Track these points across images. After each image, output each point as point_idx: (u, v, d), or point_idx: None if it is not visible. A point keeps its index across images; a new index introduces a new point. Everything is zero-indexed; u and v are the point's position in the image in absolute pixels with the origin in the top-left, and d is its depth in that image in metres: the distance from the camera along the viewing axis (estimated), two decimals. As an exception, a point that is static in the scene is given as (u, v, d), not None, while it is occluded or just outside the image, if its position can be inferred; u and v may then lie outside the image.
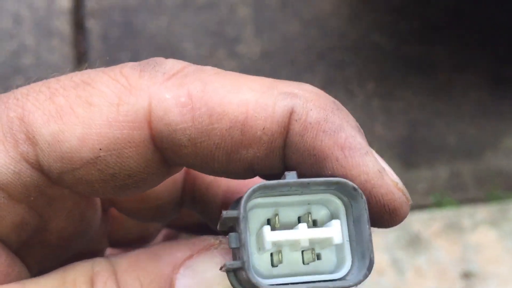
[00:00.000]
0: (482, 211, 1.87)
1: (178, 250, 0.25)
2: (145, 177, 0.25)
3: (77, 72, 0.26)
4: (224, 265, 0.26)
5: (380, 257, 1.74)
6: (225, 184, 0.33)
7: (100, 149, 0.22)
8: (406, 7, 2.13)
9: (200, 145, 0.24)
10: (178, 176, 0.31)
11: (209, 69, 0.27)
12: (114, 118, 0.23)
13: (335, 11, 2.06)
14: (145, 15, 1.92)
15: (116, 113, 0.23)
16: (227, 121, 0.24)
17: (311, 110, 0.26)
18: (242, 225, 0.26)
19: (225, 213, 0.26)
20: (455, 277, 1.75)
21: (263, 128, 0.24)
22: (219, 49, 1.93)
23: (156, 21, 1.93)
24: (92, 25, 1.88)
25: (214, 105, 0.24)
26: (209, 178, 0.33)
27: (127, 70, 0.25)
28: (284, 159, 0.26)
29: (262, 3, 2.02)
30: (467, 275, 1.76)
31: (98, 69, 0.25)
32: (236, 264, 0.26)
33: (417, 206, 1.90)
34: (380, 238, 1.77)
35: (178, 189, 0.33)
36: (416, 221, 1.82)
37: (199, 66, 0.28)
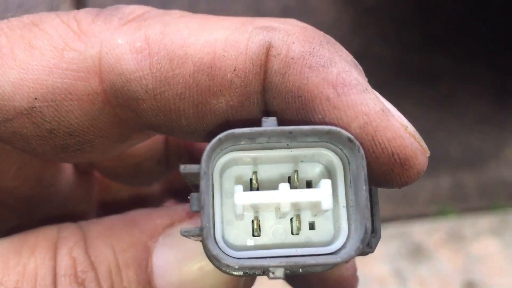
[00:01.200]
0: (484, 221, 1.86)
1: (158, 217, 0.21)
2: (92, 139, 0.20)
3: (33, 14, 0.21)
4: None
5: (383, 267, 1.73)
6: None
7: (35, 98, 0.18)
8: (407, 19, 2.13)
9: (161, 96, 0.19)
10: None
11: (175, 12, 0.21)
12: (55, 65, 0.18)
13: (337, 22, 2.06)
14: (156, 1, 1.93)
15: (58, 59, 0.18)
16: (190, 64, 0.19)
17: (293, 43, 0.20)
18: (203, 183, 0.20)
19: (184, 168, 0.21)
20: (458, 287, 1.74)
21: (234, 69, 0.19)
22: (222, 59, 1.94)
23: (168, 7, 1.93)
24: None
25: (175, 47, 0.19)
26: None
27: (82, 14, 0.21)
28: (266, 107, 0.20)
29: (264, 13, 2.02)
30: (469, 285, 1.74)
31: (53, 12, 0.21)
32: (193, 231, 0.21)
33: (420, 216, 1.89)
34: (382, 247, 1.76)
35: (159, 145, 0.27)
36: (418, 231, 1.81)
37: (164, 10, 0.22)
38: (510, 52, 2.15)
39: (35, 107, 0.18)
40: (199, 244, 0.22)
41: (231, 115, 0.20)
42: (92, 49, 0.18)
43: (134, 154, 0.25)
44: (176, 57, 0.19)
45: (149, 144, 0.25)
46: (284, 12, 2.03)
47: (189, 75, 0.19)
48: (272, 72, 0.20)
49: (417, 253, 1.77)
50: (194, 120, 0.20)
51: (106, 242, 0.20)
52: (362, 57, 1.90)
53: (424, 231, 1.81)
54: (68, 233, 0.21)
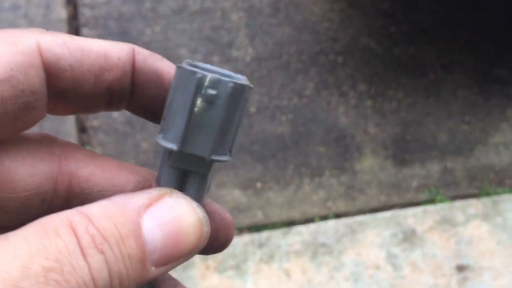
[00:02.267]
0: (474, 206, 1.89)
1: (140, 198, 0.30)
2: (42, 97, 0.30)
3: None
4: None
5: (376, 253, 1.75)
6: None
7: (12, 69, 0.28)
8: (394, 11, 2.14)
9: (77, 69, 0.30)
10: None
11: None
12: (15, 51, 0.29)
13: (326, 16, 2.08)
14: (140, 23, 1.92)
15: (16, 48, 0.29)
16: (94, 53, 0.31)
17: (143, 50, 0.34)
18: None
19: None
20: (450, 271, 1.76)
21: (118, 58, 0.32)
22: (213, 54, 1.94)
23: (151, 28, 1.93)
24: (88, 34, 1.88)
25: (82, 46, 0.31)
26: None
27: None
28: (133, 80, 0.33)
29: (254, 8, 2.03)
30: (462, 269, 1.77)
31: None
32: None
33: (411, 203, 1.91)
34: (376, 235, 1.78)
35: (46, 185, 0.35)
36: (410, 217, 1.83)
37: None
38: (494, 40, 2.18)
39: (13, 75, 0.28)
40: (174, 217, 0.30)
41: (115, 84, 0.32)
42: (32, 42, 0.29)
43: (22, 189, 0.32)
44: (85, 49, 0.31)
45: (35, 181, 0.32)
46: (274, 7, 2.04)
47: (94, 59, 0.31)
48: (138, 60, 0.33)
49: (410, 239, 1.80)
50: (93, 86, 0.32)
51: (108, 221, 0.27)
52: (352, 49, 1.92)
53: (416, 218, 1.83)
54: (77, 218, 0.27)
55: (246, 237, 1.73)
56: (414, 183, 1.93)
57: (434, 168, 1.97)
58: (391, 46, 2.09)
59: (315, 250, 1.74)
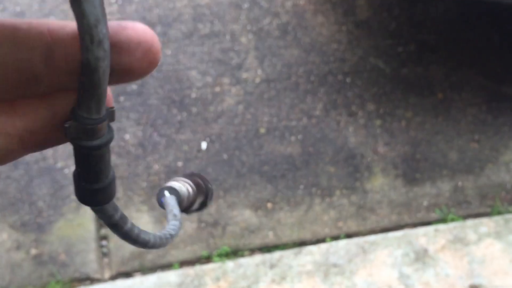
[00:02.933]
0: (486, 224, 1.87)
1: None
2: None
3: None
4: None
5: (389, 273, 1.73)
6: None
7: None
8: (401, 32, 2.16)
9: None
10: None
11: None
12: None
13: (334, 37, 2.09)
14: (151, 47, 1.95)
15: None
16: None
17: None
18: None
19: None
20: (463, 291, 1.74)
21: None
22: (223, 76, 1.96)
23: (162, 51, 1.96)
24: (101, 58, 1.91)
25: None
26: None
27: None
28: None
29: (263, 31, 2.05)
30: (475, 289, 1.74)
31: None
32: None
33: (422, 222, 1.90)
34: (387, 255, 1.76)
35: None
36: (422, 237, 1.81)
37: None
38: (501, 58, 2.18)
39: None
40: None
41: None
42: None
43: None
44: None
45: None
46: (282, 29, 2.06)
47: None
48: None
49: (422, 258, 1.78)
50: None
51: None
52: (361, 69, 1.93)
53: (428, 237, 1.82)
54: None
55: (257, 258, 1.73)
56: (425, 202, 1.92)
57: (445, 186, 1.95)
58: (399, 66, 2.10)
59: (327, 270, 1.72)
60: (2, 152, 0.26)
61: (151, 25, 1.98)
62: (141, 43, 0.27)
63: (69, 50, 0.25)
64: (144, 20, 1.98)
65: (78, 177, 0.28)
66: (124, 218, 0.32)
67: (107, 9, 1.98)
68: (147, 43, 0.27)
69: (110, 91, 0.27)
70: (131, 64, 0.27)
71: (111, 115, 0.27)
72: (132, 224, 0.33)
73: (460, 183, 1.97)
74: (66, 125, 0.26)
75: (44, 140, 0.27)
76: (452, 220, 1.90)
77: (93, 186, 0.28)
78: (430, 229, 1.84)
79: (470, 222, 1.88)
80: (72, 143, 0.26)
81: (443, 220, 1.90)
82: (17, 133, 0.26)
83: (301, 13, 2.10)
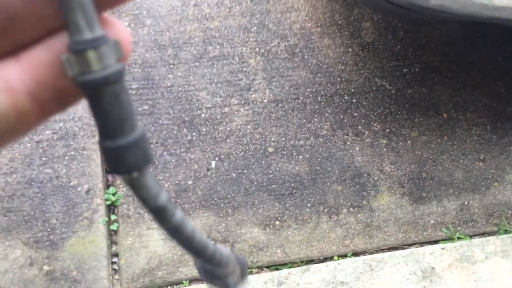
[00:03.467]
0: (493, 243, 1.87)
1: None
2: None
3: None
4: None
5: (396, 292, 1.73)
6: None
7: None
8: (406, 53, 2.20)
9: None
10: None
11: None
12: None
13: (340, 59, 2.14)
14: (162, 69, 2.00)
15: None
16: None
17: None
18: None
19: None
20: (471, 309, 1.74)
21: None
22: (232, 97, 2.00)
23: (173, 73, 2.00)
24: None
25: None
26: None
27: None
28: None
29: (271, 52, 2.10)
30: (483, 307, 1.74)
31: None
32: None
33: (429, 240, 1.90)
34: (395, 273, 1.77)
35: None
36: (429, 255, 1.82)
37: None
38: (505, 79, 2.21)
39: None
40: None
41: None
42: None
43: None
44: None
45: None
46: (289, 51, 2.11)
47: None
48: None
49: (429, 277, 1.78)
50: None
51: None
52: (367, 90, 1.97)
53: (435, 256, 1.82)
54: None
55: (265, 275, 1.74)
56: (432, 221, 1.93)
57: (451, 205, 1.96)
58: (404, 86, 2.13)
59: (334, 288, 1.73)
60: (15, 118, 0.23)
61: (163, 47, 2.04)
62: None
63: None
64: (155, 43, 2.04)
65: (99, 135, 0.23)
66: (172, 204, 0.24)
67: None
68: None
69: (127, 32, 0.25)
70: None
71: (115, 45, 0.22)
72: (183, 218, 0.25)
73: (466, 202, 1.98)
74: (62, 59, 0.22)
75: (56, 93, 0.24)
76: (459, 238, 1.90)
77: (115, 142, 0.23)
78: (436, 247, 1.85)
79: (476, 240, 1.88)
80: (76, 83, 0.22)
81: (450, 239, 1.90)
82: (25, 88, 0.23)
83: (308, 36, 2.15)
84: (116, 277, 1.72)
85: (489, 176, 2.03)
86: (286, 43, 2.12)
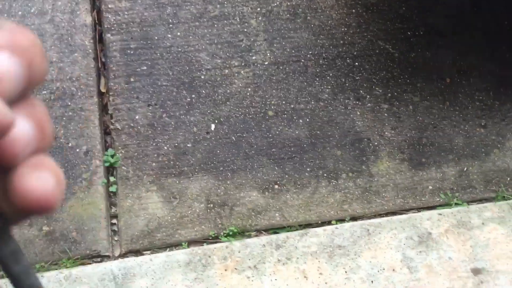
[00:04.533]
0: (490, 209, 1.87)
1: None
2: None
3: None
4: None
5: (392, 256, 1.74)
6: None
7: None
8: (411, 15, 2.13)
9: None
10: None
11: None
12: None
13: (344, 20, 2.07)
14: (161, 28, 1.94)
15: None
16: None
17: None
18: None
19: None
20: (466, 274, 1.75)
21: None
22: (232, 58, 1.95)
23: (172, 33, 1.94)
24: (112, 39, 1.90)
25: None
26: None
27: None
28: None
29: (272, 13, 2.03)
30: (477, 272, 1.76)
31: None
32: None
33: (427, 206, 1.90)
34: (392, 237, 1.77)
35: None
36: (426, 220, 1.82)
37: None
38: (510, 44, 2.15)
39: None
40: None
41: None
42: None
43: None
44: None
45: None
46: (292, 12, 2.04)
47: None
48: None
49: (425, 242, 1.79)
50: None
51: None
52: (369, 53, 1.91)
53: (432, 221, 1.82)
54: None
55: (264, 238, 1.74)
56: (430, 187, 1.92)
57: (450, 171, 1.95)
58: (407, 50, 2.08)
59: (332, 252, 1.74)
60: None
61: (162, 6, 1.97)
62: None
63: None
64: (154, 1, 1.97)
65: None
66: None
67: (118, -10, 1.96)
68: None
69: None
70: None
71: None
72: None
73: (465, 168, 1.97)
74: None
75: None
76: (457, 204, 1.90)
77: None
78: (434, 213, 1.85)
79: (474, 206, 1.88)
80: None
81: (447, 205, 1.90)
82: None
83: (311, -4, 2.08)
84: (116, 238, 1.73)
85: (489, 142, 2.01)
86: (288, 3, 2.05)
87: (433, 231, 1.81)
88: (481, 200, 1.94)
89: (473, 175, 1.96)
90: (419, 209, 1.90)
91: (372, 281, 1.70)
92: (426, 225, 1.81)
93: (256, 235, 1.78)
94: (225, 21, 1.99)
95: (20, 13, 1.89)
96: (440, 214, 1.84)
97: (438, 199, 1.91)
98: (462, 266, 1.76)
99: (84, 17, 1.92)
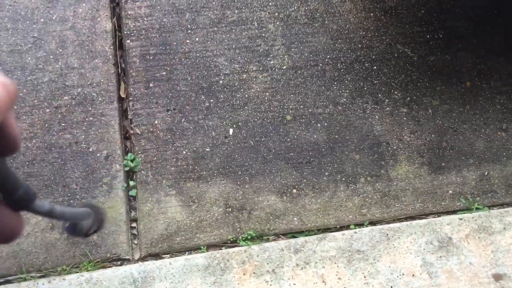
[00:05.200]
0: (512, 215, 1.83)
1: None
2: None
3: None
4: None
5: (412, 261, 1.72)
6: None
7: None
8: (430, 18, 2.11)
9: None
10: None
11: None
12: None
13: (362, 24, 2.06)
14: (180, 34, 1.95)
15: None
16: None
17: None
18: None
19: None
20: (487, 279, 1.72)
21: None
22: (251, 63, 1.95)
23: (190, 38, 1.96)
24: (131, 45, 1.92)
25: None
26: None
27: None
28: None
29: (290, 17, 2.03)
30: (498, 278, 1.72)
31: None
32: None
33: (447, 211, 1.88)
34: (411, 242, 1.75)
35: None
36: (446, 225, 1.80)
37: None
38: (533, 47, 2.12)
39: None
40: None
41: None
42: None
43: None
44: None
45: None
46: (309, 16, 2.04)
47: None
48: None
49: (445, 247, 1.76)
50: None
51: None
52: (388, 57, 1.89)
53: (452, 226, 1.80)
54: None
55: (282, 243, 1.74)
56: (450, 191, 1.90)
57: (471, 175, 1.92)
58: (426, 53, 2.06)
59: (350, 256, 1.73)
60: None
61: (180, 12, 1.98)
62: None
63: None
64: (173, 7, 1.99)
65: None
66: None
67: (137, -4, 1.98)
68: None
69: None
70: None
71: None
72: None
73: (486, 172, 1.94)
74: None
75: None
76: (477, 209, 1.87)
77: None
78: (454, 217, 1.82)
79: (495, 211, 1.85)
80: None
81: (468, 209, 1.87)
82: None
83: (329, 0, 2.07)
84: (135, 242, 1.74)
85: (511, 146, 1.98)
86: (306, 8, 2.05)
87: (453, 236, 1.78)
88: (502, 205, 1.90)
89: (494, 179, 1.93)
90: (439, 213, 1.87)
91: (391, 287, 1.69)
92: (446, 230, 1.79)
93: (275, 239, 1.78)
94: (243, 26, 1.99)
95: (42, 20, 1.92)
96: (461, 219, 1.81)
97: (458, 204, 1.88)
98: (483, 272, 1.73)
99: (105, 23, 1.94)
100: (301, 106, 1.93)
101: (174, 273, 1.65)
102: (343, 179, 1.87)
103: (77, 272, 1.64)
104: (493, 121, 2.01)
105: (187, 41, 1.95)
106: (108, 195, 1.75)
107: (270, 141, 1.87)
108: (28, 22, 1.91)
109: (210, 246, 1.75)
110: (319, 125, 1.91)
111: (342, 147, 1.90)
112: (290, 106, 1.92)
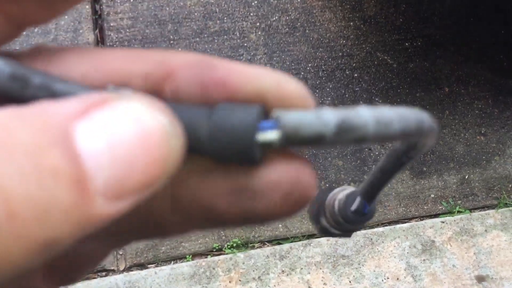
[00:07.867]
0: (493, 217, 1.86)
1: (72, 103, 0.16)
2: None
3: None
4: None
5: (396, 264, 1.73)
6: None
7: None
8: (408, 27, 2.15)
9: None
10: None
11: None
12: None
13: (342, 33, 2.09)
14: (163, 44, 1.96)
15: None
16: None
17: None
18: None
19: None
20: (470, 281, 1.74)
21: None
22: (233, 73, 1.96)
23: (173, 49, 1.96)
24: (114, 55, 1.92)
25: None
26: None
27: None
28: None
29: (272, 27, 2.05)
30: (481, 279, 1.74)
31: None
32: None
33: (429, 214, 1.89)
34: (395, 246, 1.77)
35: None
36: (429, 229, 1.81)
37: None
38: (507, 52, 2.16)
39: None
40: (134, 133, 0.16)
41: None
42: None
43: None
44: None
45: None
46: (290, 25, 2.06)
47: None
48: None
49: (429, 250, 1.78)
50: None
51: (16, 126, 0.15)
52: (368, 64, 1.92)
53: (435, 229, 1.81)
54: None
55: (267, 250, 1.74)
56: (432, 195, 1.92)
57: (452, 179, 1.95)
58: (406, 60, 2.09)
59: (335, 261, 1.73)
60: None
61: (163, 23, 1.99)
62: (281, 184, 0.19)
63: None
64: (155, 18, 1.99)
65: None
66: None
67: (119, 7, 1.99)
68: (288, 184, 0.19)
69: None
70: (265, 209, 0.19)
71: None
72: None
73: (466, 176, 1.96)
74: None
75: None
76: (459, 212, 1.89)
77: None
78: (437, 221, 1.84)
79: (476, 214, 1.87)
80: None
81: (450, 213, 1.89)
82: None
83: (309, 10, 2.09)
84: (120, 252, 1.72)
85: (490, 150, 2.01)
86: (287, 17, 2.07)
87: (436, 239, 1.80)
88: (483, 208, 1.93)
89: (475, 183, 1.96)
90: (422, 217, 1.89)
91: (376, 290, 1.69)
92: (429, 233, 1.81)
93: (260, 247, 1.78)
94: (225, 36, 2.01)
95: (24, 32, 1.91)
96: (443, 222, 1.83)
97: (440, 207, 1.90)
98: (466, 274, 1.74)
99: (87, 35, 1.94)
100: (284, 114, 1.94)
101: (160, 282, 1.64)
102: (327, 185, 1.88)
103: (62, 284, 1.62)
104: (472, 125, 2.04)
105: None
106: (92, 205, 1.73)
107: (254, 149, 1.88)
108: (10, 34, 1.90)
109: (196, 255, 1.74)
110: (302, 132, 1.92)
111: (325, 153, 1.91)
112: (273, 114, 1.93)
